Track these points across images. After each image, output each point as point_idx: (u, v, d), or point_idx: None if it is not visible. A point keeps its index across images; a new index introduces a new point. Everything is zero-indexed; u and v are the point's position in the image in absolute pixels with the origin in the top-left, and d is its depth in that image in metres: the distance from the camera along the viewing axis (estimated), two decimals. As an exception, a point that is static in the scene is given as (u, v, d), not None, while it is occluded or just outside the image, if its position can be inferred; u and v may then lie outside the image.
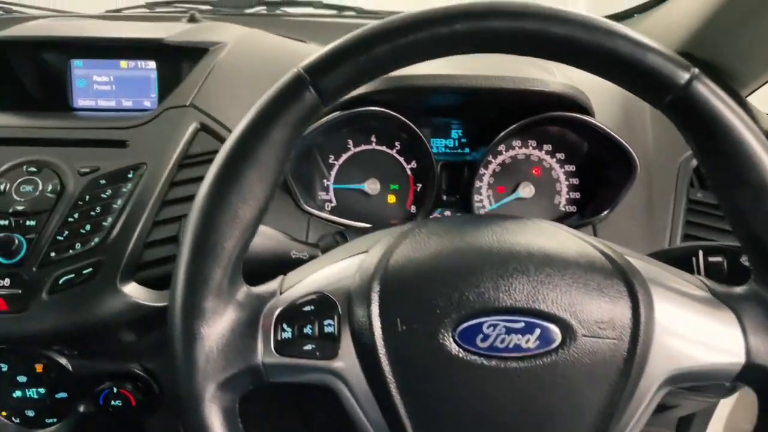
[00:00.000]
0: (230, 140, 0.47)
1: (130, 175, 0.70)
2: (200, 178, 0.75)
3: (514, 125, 0.74)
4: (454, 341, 0.43)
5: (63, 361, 0.69)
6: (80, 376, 0.69)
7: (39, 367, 0.69)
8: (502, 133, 0.75)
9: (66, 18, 0.93)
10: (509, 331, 0.43)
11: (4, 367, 0.69)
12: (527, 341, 0.43)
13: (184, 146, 0.73)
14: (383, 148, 0.81)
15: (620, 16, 1.07)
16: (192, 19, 1.12)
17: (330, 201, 0.81)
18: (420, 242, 0.48)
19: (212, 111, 0.76)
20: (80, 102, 0.87)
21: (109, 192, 0.68)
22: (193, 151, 0.74)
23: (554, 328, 0.43)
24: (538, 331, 0.43)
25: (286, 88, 0.47)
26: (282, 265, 0.57)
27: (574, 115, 0.74)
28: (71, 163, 0.70)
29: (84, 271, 0.65)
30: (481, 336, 0.43)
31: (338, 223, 0.77)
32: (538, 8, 0.45)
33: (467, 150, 0.82)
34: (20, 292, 0.64)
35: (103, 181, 0.69)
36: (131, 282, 0.67)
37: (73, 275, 0.65)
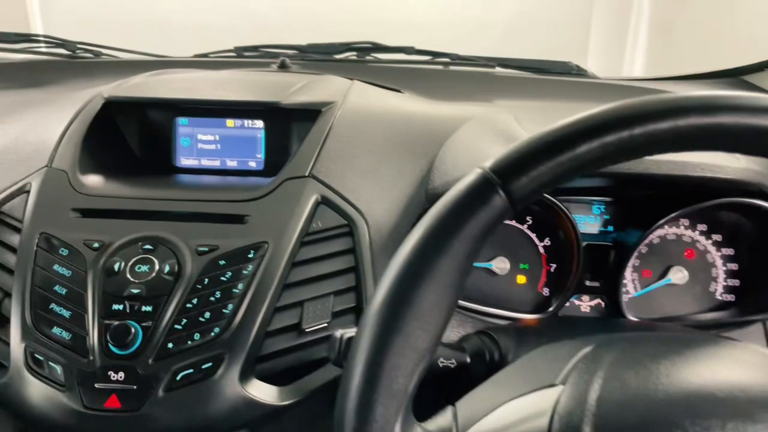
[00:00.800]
0: (407, 252, 0.40)
1: (250, 255, 0.63)
2: (322, 258, 0.69)
3: (685, 210, 0.65)
4: None
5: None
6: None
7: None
8: (667, 218, 0.66)
9: (168, 72, 0.89)
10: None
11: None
12: None
13: (305, 222, 0.66)
14: (513, 222, 0.73)
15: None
16: (283, 66, 1.08)
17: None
18: (624, 377, 0.39)
19: (332, 181, 0.70)
20: (183, 161, 0.82)
21: (229, 274, 0.62)
22: (315, 226, 0.67)
23: None
24: None
25: (471, 192, 0.40)
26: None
27: (760, 203, 0.64)
28: (188, 241, 0.64)
29: (203, 366, 0.58)
30: None
31: (464, 307, 0.69)
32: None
33: (610, 228, 0.73)
34: (135, 388, 0.57)
35: (222, 262, 0.63)
36: (252, 378, 0.60)
37: (192, 370, 0.58)
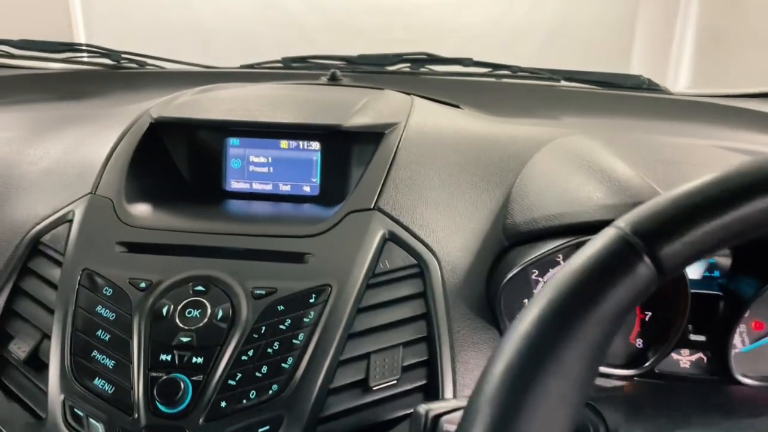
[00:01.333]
0: (523, 336, 0.31)
1: (312, 300, 0.56)
2: (390, 303, 0.59)
3: None
4: None
5: None
6: None
7: None
8: None
9: (217, 89, 0.82)
10: None
11: None
12: None
13: (372, 262, 0.59)
14: None
15: None
16: (333, 78, 1.01)
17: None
18: None
19: (400, 215, 0.62)
20: (234, 184, 0.75)
21: (288, 322, 0.55)
22: (382, 267, 0.59)
23: None
24: None
25: (609, 258, 0.31)
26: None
27: None
28: (244, 282, 0.57)
29: (260, 429, 0.51)
30: None
31: None
32: None
33: (716, 274, 0.63)
34: (183, 452, 0.51)
35: (281, 307, 0.55)
36: None
37: (246, 434, 0.51)
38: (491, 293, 0.59)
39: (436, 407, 0.43)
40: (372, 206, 0.62)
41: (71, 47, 1.18)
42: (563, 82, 1.08)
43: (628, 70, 1.14)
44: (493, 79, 1.11)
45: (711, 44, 2.63)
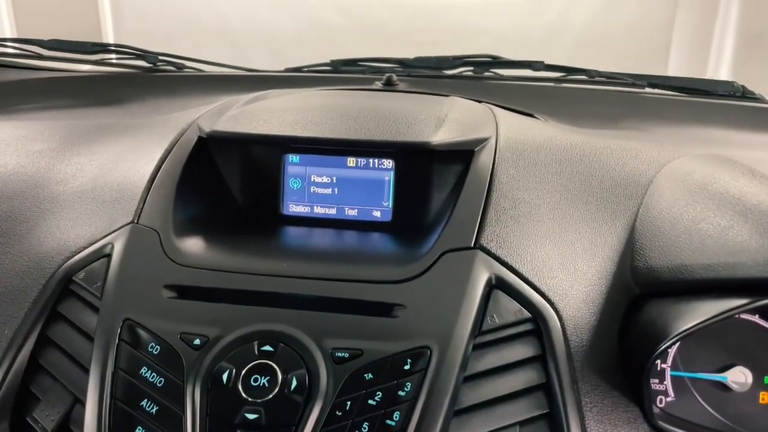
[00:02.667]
0: None
1: (407, 367, 0.44)
2: (501, 369, 0.44)
3: None
4: None
5: None
6: None
7: None
8: None
9: (268, 96, 0.71)
10: None
11: None
12: None
13: (477, 316, 0.47)
14: (755, 318, 0.51)
15: None
16: (389, 83, 0.89)
17: (666, 394, 0.52)
18: None
19: (508, 256, 0.49)
20: (292, 208, 0.63)
21: (380, 396, 0.43)
22: (489, 322, 0.47)
23: None
24: None
25: None
26: None
27: None
28: (321, 341, 0.45)
29: None
30: None
31: None
32: None
33: None
34: None
35: (369, 376, 0.43)
36: None
37: None
38: (629, 359, 0.47)
39: None
40: (472, 244, 0.50)
41: (105, 48, 1.07)
42: (647, 89, 0.95)
43: (665, 72, 1.00)
44: (567, 85, 0.98)
45: (751, 45, 2.48)
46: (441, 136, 0.57)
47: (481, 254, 0.49)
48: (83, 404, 0.46)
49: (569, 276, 0.50)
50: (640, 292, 0.49)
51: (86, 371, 0.47)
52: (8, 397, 0.48)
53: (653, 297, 0.49)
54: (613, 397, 0.46)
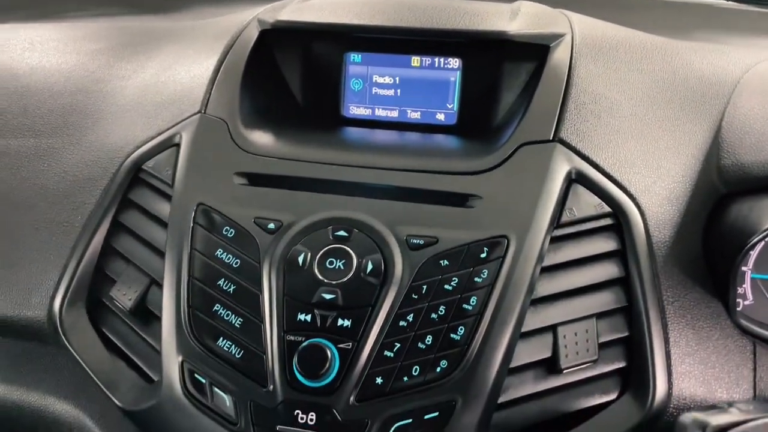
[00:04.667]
0: None
1: (483, 255, 0.43)
2: (580, 262, 0.42)
3: None
4: None
5: None
6: None
7: None
8: None
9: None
10: None
11: None
12: None
13: (556, 208, 0.45)
14: None
15: None
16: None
17: (744, 297, 0.50)
18: None
19: (588, 149, 0.47)
20: (353, 110, 0.61)
21: (456, 282, 0.42)
22: (568, 215, 0.45)
23: None
24: None
25: None
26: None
27: None
28: (396, 228, 0.44)
29: (426, 417, 0.39)
30: None
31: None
32: None
33: None
34: (332, 437, 0.40)
35: (445, 262, 0.42)
36: None
37: (410, 420, 0.39)
38: (715, 257, 0.45)
39: (714, 420, 0.30)
40: (551, 137, 0.47)
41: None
42: (730, 2, 0.87)
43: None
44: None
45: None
46: (516, 27, 0.54)
47: (560, 147, 0.47)
48: (159, 285, 0.46)
49: (652, 173, 0.47)
50: (726, 192, 0.47)
51: (160, 255, 0.47)
52: (84, 280, 0.49)
53: (740, 196, 0.46)
54: (696, 293, 0.44)
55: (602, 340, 0.43)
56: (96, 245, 0.50)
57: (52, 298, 0.48)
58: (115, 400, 0.45)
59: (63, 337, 0.47)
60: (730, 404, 0.34)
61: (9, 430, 0.54)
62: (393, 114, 0.61)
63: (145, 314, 0.47)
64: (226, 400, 0.41)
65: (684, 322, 0.43)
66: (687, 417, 0.31)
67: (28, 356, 0.53)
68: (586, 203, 0.45)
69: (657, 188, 0.46)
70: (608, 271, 0.44)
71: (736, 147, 0.47)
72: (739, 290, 0.48)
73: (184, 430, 0.42)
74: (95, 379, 0.46)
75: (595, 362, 0.42)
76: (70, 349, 0.47)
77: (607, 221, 0.45)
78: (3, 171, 0.55)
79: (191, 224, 0.46)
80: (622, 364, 0.43)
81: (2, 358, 0.53)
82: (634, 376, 0.42)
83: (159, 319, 0.45)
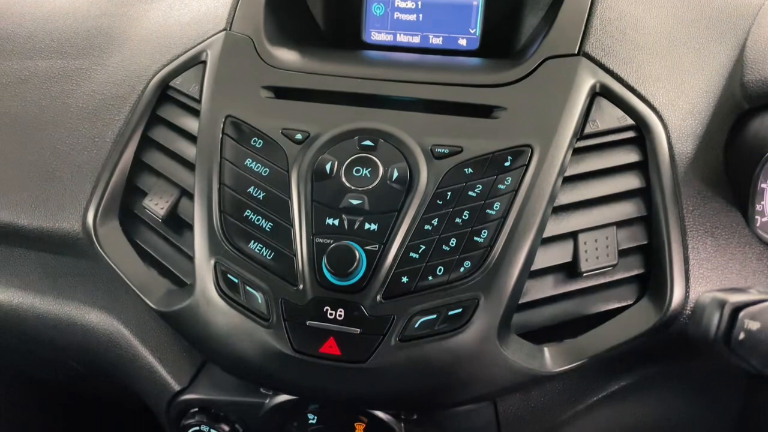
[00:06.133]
0: None
1: (507, 164, 0.43)
2: (602, 173, 0.42)
3: None
4: None
5: (396, 425, 0.47)
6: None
7: (359, 428, 0.48)
8: None
9: None
10: None
11: (313, 419, 0.49)
12: None
13: (580, 120, 0.45)
14: None
15: None
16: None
17: (762, 214, 0.50)
18: None
19: (613, 64, 0.47)
20: (374, 36, 0.61)
21: (480, 188, 0.43)
22: (591, 127, 0.46)
23: None
24: None
25: None
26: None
27: None
28: (421, 138, 0.45)
29: (450, 313, 0.41)
30: None
31: None
32: None
33: None
34: (359, 331, 0.41)
35: (469, 170, 0.43)
36: (511, 334, 0.43)
37: (434, 316, 0.41)
38: (736, 168, 0.45)
39: (732, 298, 0.31)
40: (576, 51, 0.47)
41: None
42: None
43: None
44: None
45: None
46: None
47: (585, 61, 0.47)
48: (190, 197, 0.48)
49: (676, 88, 0.47)
50: (749, 107, 0.47)
51: (190, 167, 0.48)
52: (116, 193, 0.50)
53: (762, 111, 0.46)
54: (716, 203, 0.45)
55: (622, 247, 0.44)
56: (126, 160, 0.51)
57: (86, 210, 0.50)
58: (150, 304, 0.47)
59: (98, 246, 0.49)
60: (750, 288, 0.35)
61: (47, 341, 0.57)
62: (415, 39, 0.60)
63: (177, 223, 0.48)
64: (258, 298, 0.43)
65: (703, 230, 0.44)
66: (706, 296, 0.32)
67: (62, 270, 0.55)
68: (609, 115, 0.46)
69: (680, 102, 0.47)
70: (630, 182, 0.45)
71: (760, 63, 0.47)
72: (758, 207, 0.48)
73: (217, 327, 0.44)
74: (130, 284, 0.47)
75: (614, 267, 0.43)
76: (105, 257, 0.49)
77: (630, 134, 0.46)
78: (33, 91, 0.56)
79: (220, 135, 0.47)
80: (640, 271, 0.44)
81: (38, 271, 0.56)
82: (653, 282, 0.44)
83: (190, 227, 0.46)
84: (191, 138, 0.49)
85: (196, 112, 0.50)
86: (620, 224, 0.44)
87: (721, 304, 0.31)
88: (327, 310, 0.41)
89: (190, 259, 0.46)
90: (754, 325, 0.30)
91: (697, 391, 0.50)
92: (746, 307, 0.30)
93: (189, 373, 0.51)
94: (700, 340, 0.32)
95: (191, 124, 0.50)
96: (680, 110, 0.46)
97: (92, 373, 0.61)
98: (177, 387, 0.51)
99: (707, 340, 0.31)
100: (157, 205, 0.48)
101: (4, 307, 0.56)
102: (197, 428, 0.49)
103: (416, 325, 0.41)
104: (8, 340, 0.62)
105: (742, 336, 0.30)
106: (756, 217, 0.48)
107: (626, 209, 0.45)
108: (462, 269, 0.41)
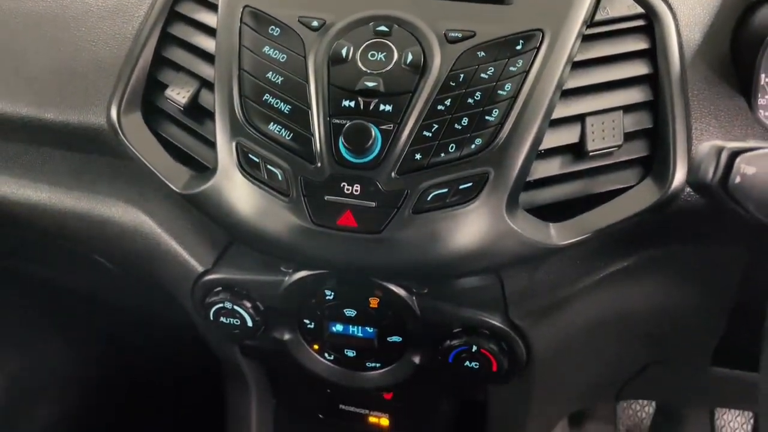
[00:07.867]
0: None
1: (518, 47, 0.45)
2: (610, 59, 0.44)
3: None
4: None
5: (408, 299, 0.50)
6: (427, 322, 0.51)
7: (373, 302, 0.51)
8: None
9: None
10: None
11: (330, 295, 0.52)
12: None
13: (590, 6, 0.46)
14: None
15: None
16: None
17: (767, 108, 0.52)
18: None
19: None
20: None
21: (491, 71, 0.44)
22: (602, 14, 0.47)
23: None
24: None
25: None
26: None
27: None
28: (435, 23, 0.46)
29: (461, 186, 0.43)
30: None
31: None
32: None
33: None
34: (374, 205, 0.44)
35: (482, 54, 0.45)
36: (519, 209, 0.45)
37: (446, 189, 0.43)
38: (741, 55, 0.46)
39: (731, 145, 0.33)
40: None
41: None
42: None
43: None
44: None
45: None
46: None
47: None
48: (210, 87, 0.49)
49: None
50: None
51: (210, 60, 0.50)
52: (138, 87, 0.52)
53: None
54: (721, 88, 0.46)
55: (628, 130, 0.45)
56: (147, 55, 0.52)
57: (110, 103, 0.52)
58: (175, 189, 0.49)
59: (123, 137, 0.51)
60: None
61: (72, 235, 0.60)
62: None
63: (198, 112, 0.50)
64: (279, 175, 0.45)
65: (707, 113, 0.45)
66: (705, 145, 0.34)
67: (87, 166, 0.57)
68: (620, 3, 0.47)
69: None
70: (637, 68, 0.46)
71: None
72: (761, 101, 0.50)
73: (241, 204, 0.46)
74: (155, 171, 0.50)
75: (619, 147, 0.45)
76: (130, 148, 0.51)
77: (640, 22, 0.47)
78: None
79: (239, 24, 0.48)
80: (645, 153, 0.46)
81: (63, 168, 0.58)
82: (656, 163, 0.45)
83: (211, 115, 0.48)
84: (210, 31, 0.50)
85: (213, 7, 0.51)
86: (627, 109, 0.46)
87: (719, 150, 0.33)
88: (344, 185, 0.44)
89: (212, 145, 0.48)
90: (750, 170, 0.31)
91: (692, 278, 0.52)
92: (743, 152, 0.32)
93: (212, 256, 0.54)
94: (699, 185, 0.34)
95: (209, 18, 0.51)
96: (689, 0, 0.47)
97: (117, 266, 0.64)
98: (201, 269, 0.54)
99: (705, 184, 0.33)
100: (179, 95, 0.50)
101: (31, 204, 0.59)
102: (221, 305, 0.52)
103: (428, 198, 0.43)
104: (32, 237, 0.65)
105: (738, 180, 0.31)
106: (760, 111, 0.49)
107: (633, 95, 0.46)
108: (473, 146, 0.43)
